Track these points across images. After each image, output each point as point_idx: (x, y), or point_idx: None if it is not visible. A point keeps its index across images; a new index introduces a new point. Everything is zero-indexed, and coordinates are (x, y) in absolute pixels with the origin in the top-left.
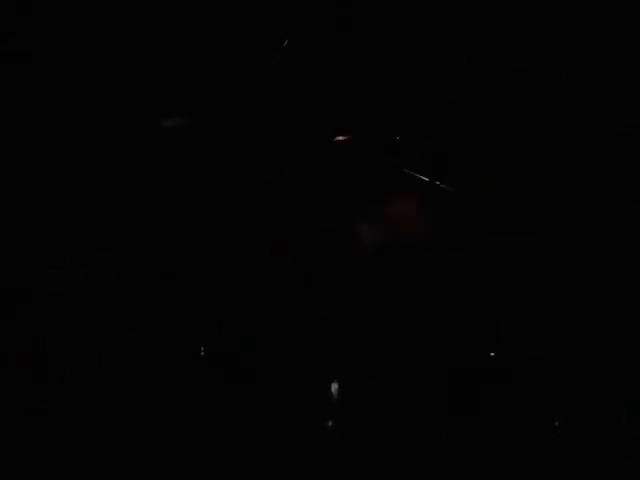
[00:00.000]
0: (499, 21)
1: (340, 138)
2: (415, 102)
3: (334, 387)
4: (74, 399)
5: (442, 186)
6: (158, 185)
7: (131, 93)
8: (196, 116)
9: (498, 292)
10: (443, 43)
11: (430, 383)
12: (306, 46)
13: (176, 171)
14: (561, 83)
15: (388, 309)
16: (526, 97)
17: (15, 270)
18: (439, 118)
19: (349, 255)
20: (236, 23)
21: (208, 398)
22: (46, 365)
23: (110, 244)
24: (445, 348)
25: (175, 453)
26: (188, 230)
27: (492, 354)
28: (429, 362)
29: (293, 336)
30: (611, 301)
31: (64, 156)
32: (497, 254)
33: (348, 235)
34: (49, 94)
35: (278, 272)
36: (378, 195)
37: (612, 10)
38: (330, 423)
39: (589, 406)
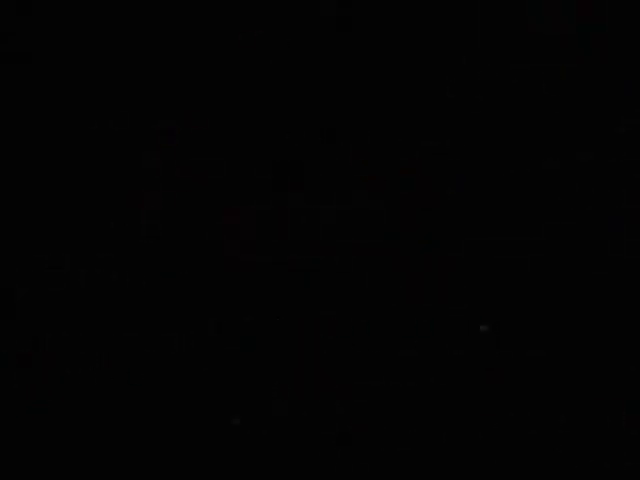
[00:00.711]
0: (499, 21)
1: None
2: (415, 102)
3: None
4: (74, 399)
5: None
6: (158, 185)
7: (130, 93)
8: (195, 116)
9: (498, 292)
10: (443, 43)
11: (430, 383)
12: (306, 46)
13: (175, 171)
14: (561, 83)
15: (388, 309)
16: (526, 97)
17: (15, 270)
18: (439, 118)
19: (349, 255)
20: (236, 23)
21: (208, 398)
22: (46, 365)
23: (110, 244)
24: (445, 348)
25: (174, 453)
26: (187, 230)
27: (483, 330)
28: (429, 362)
29: (293, 336)
30: (611, 301)
31: (64, 156)
32: (497, 254)
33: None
34: (49, 94)
35: (278, 272)
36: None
37: (611, 10)
38: (329, 423)
39: (589, 406)
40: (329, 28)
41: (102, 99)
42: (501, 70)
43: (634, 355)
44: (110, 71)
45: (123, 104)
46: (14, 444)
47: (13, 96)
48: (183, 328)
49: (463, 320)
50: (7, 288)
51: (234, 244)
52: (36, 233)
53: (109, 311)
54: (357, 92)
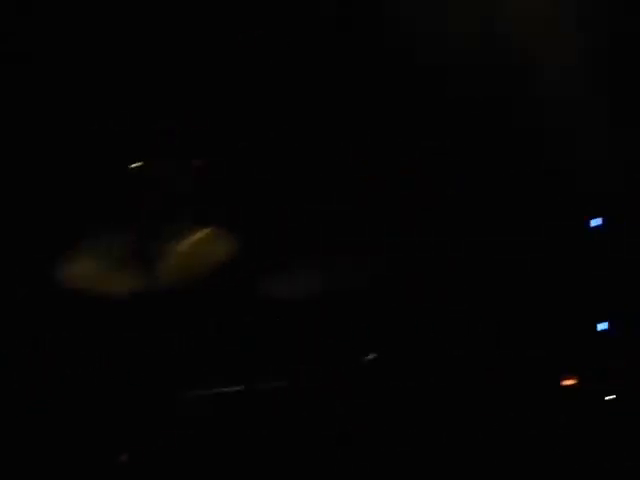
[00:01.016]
0: (499, 21)
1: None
2: (415, 102)
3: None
4: (74, 399)
5: None
6: (158, 184)
7: (130, 93)
8: (195, 116)
9: (498, 292)
10: (443, 43)
11: (430, 383)
12: (306, 46)
13: (175, 171)
14: (561, 83)
15: (387, 309)
16: (526, 97)
17: (15, 270)
18: (439, 118)
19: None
20: (236, 23)
21: (208, 398)
22: (46, 365)
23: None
24: (445, 348)
25: (174, 453)
26: (187, 230)
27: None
28: (429, 362)
29: (293, 336)
30: (611, 301)
31: (64, 156)
32: (496, 254)
33: None
34: (49, 94)
35: (277, 272)
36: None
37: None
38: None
39: (589, 406)
40: (329, 28)
41: (102, 99)
42: (501, 70)
43: (634, 355)
44: (110, 71)
45: (123, 104)
46: (14, 444)
47: (13, 96)
48: (183, 328)
49: (463, 320)
50: (7, 288)
51: (234, 244)
52: (36, 233)
53: (109, 311)
54: (357, 92)
